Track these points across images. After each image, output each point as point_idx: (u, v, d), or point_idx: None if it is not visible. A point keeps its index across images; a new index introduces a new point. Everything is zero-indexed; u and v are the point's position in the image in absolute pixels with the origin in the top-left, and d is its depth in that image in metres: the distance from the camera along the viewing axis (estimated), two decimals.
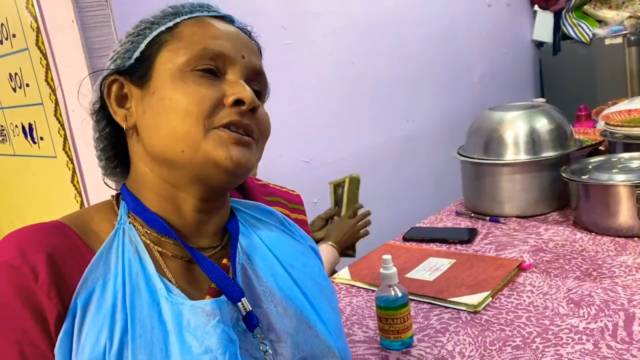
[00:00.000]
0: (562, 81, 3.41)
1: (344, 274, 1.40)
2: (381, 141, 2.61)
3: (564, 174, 1.50)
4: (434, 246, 1.52)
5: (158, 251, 0.64)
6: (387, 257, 1.07)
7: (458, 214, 1.72)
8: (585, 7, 3.35)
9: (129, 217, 0.66)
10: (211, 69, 0.64)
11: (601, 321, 1.04)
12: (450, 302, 1.18)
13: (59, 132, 1.19)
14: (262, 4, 2.10)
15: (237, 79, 0.64)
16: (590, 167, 1.51)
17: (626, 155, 1.55)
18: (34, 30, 1.16)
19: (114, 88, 0.66)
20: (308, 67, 2.29)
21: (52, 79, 1.15)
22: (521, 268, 1.29)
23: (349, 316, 1.21)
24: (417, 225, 1.69)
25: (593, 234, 1.43)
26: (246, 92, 0.63)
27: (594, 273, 1.22)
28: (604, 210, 1.40)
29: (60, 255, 0.59)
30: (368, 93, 2.55)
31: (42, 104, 1.23)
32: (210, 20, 0.67)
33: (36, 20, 1.13)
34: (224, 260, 0.68)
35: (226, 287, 0.64)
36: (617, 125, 1.70)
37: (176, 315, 0.60)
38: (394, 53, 2.65)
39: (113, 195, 0.70)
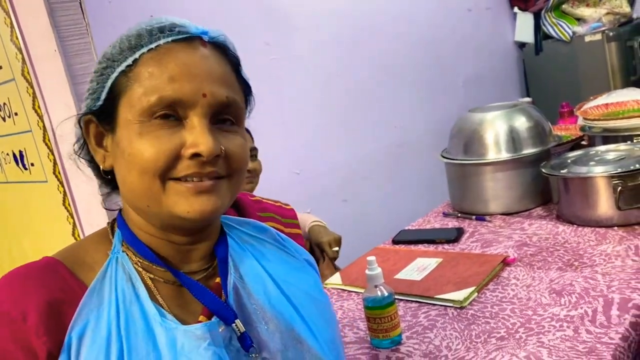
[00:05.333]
0: (546, 80, 3.47)
1: (335, 279, 1.43)
2: (370, 149, 2.65)
3: (544, 170, 1.54)
4: (422, 247, 1.55)
5: (150, 278, 0.66)
6: (372, 258, 1.11)
7: (445, 215, 1.76)
8: (563, 6, 3.41)
9: (122, 245, 0.67)
10: (170, 114, 0.62)
11: (581, 308, 1.07)
12: (437, 299, 1.21)
13: (48, 157, 1.23)
14: (246, 20, 2.15)
15: (197, 124, 0.62)
16: (569, 161, 1.55)
17: (603, 147, 1.59)
18: (19, 61, 1.20)
19: (92, 127, 0.66)
20: (294, 81, 2.34)
21: (39, 107, 1.19)
22: (506, 263, 1.33)
23: (340, 319, 1.24)
24: (406, 228, 1.72)
25: (575, 225, 1.46)
26: (205, 143, 0.60)
27: (576, 263, 1.26)
28: (584, 202, 1.43)
29: (52, 295, 0.61)
30: (355, 103, 2.60)
31: (31, 131, 1.27)
32: (172, 51, 0.63)
33: (20, 52, 1.17)
34: (217, 280, 0.69)
35: (219, 310, 0.66)
36: (595, 119, 1.75)
37: (170, 340, 0.62)
38: (379, 62, 2.71)
39: (109, 223, 0.72)
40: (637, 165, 1.37)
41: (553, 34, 3.37)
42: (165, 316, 0.63)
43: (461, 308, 1.17)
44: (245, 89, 0.70)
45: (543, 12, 3.40)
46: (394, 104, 2.79)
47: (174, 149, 0.61)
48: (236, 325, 0.65)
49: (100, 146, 0.67)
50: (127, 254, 0.66)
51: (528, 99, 3.31)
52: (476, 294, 1.21)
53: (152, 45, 0.63)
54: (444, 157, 1.78)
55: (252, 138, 1.49)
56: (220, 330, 0.65)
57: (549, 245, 1.39)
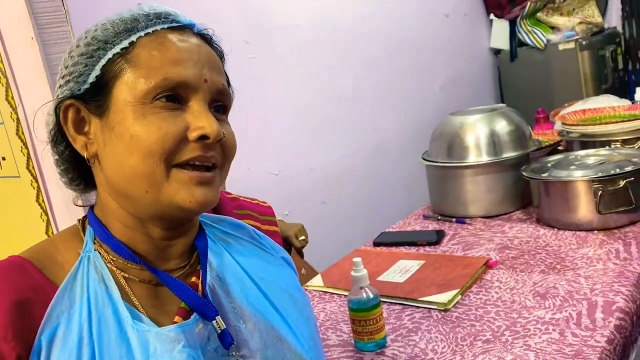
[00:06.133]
0: (520, 86, 3.52)
1: (316, 281, 1.41)
2: (349, 151, 2.64)
3: (524, 173, 1.55)
4: (403, 249, 1.54)
5: (124, 277, 0.64)
6: (358, 259, 1.09)
7: (426, 217, 1.76)
8: (538, 14, 3.47)
9: (94, 243, 0.65)
10: (173, 96, 0.61)
11: (566, 311, 1.07)
12: (421, 301, 1.20)
13: (21, 151, 1.17)
14: (225, 19, 2.11)
15: (200, 108, 0.62)
16: (549, 165, 1.57)
17: (582, 152, 1.61)
18: None
19: (70, 113, 0.63)
20: (273, 80, 2.31)
21: (12, 98, 1.14)
22: (488, 265, 1.32)
23: (322, 322, 1.22)
24: (387, 230, 1.71)
25: (555, 229, 1.47)
26: (211, 125, 0.61)
27: (558, 266, 1.26)
28: (564, 206, 1.44)
29: (20, 295, 0.58)
30: (334, 105, 2.59)
31: (2, 123, 1.21)
32: (170, 37, 0.63)
33: None
34: (193, 279, 0.68)
35: (199, 306, 0.64)
36: (573, 125, 1.77)
37: (143, 343, 0.60)
38: (358, 65, 2.70)
39: (79, 220, 0.69)
40: (617, 170, 1.39)
41: (528, 41, 3.42)
42: (139, 318, 0.61)
43: (445, 310, 1.16)
44: (227, 80, 0.71)
45: (518, 19, 3.45)
46: (373, 106, 2.78)
47: (181, 131, 0.60)
48: (217, 322, 0.64)
49: (81, 133, 0.64)
50: (100, 252, 0.64)
51: (502, 105, 3.36)
52: (460, 296, 1.20)
53: (149, 30, 0.62)
54: (425, 159, 1.77)
55: None
56: (197, 330, 0.63)
57: (531, 248, 1.39)
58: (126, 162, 0.60)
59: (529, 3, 3.37)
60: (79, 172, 0.68)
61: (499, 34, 3.57)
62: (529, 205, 1.64)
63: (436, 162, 1.72)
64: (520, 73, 3.52)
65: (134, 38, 0.62)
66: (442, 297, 1.19)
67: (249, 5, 2.22)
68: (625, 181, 1.37)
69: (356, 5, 2.69)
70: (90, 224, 0.66)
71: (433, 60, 3.18)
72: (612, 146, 1.63)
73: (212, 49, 0.68)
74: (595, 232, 1.40)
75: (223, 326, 0.64)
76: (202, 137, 0.61)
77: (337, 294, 1.34)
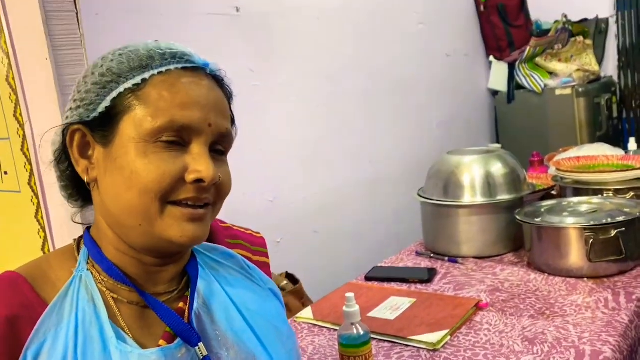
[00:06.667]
0: (516, 128, 3.57)
1: (306, 313, 1.41)
2: (344, 182, 2.66)
3: (518, 217, 1.57)
4: (395, 285, 1.55)
5: (113, 298, 0.65)
6: (350, 295, 1.10)
7: (418, 254, 1.77)
8: (537, 59, 3.54)
9: (87, 263, 0.67)
10: (176, 140, 0.63)
11: (554, 358, 1.08)
12: (411, 340, 1.21)
13: (25, 167, 1.19)
14: (232, 45, 2.15)
15: (200, 151, 0.64)
16: (542, 210, 1.59)
17: (575, 199, 1.64)
18: (4, 66, 1.17)
19: (77, 137, 0.65)
20: (274, 108, 2.34)
21: (20, 114, 1.15)
22: (478, 307, 1.33)
23: (311, 355, 1.22)
24: (379, 264, 1.72)
25: (546, 274, 1.49)
26: (208, 170, 0.63)
27: (547, 312, 1.28)
28: (556, 252, 1.46)
29: (10, 311, 0.60)
30: (331, 135, 2.62)
31: (8, 138, 1.23)
32: (182, 78, 0.64)
33: (8, 57, 1.14)
34: (180, 304, 0.69)
35: (183, 332, 0.66)
36: (567, 171, 1.80)
37: None
38: (357, 98, 2.74)
39: (75, 240, 0.71)
40: (609, 219, 1.41)
41: (525, 84, 3.49)
42: (123, 339, 0.63)
43: (434, 351, 1.16)
44: (232, 121, 0.73)
45: (517, 63, 3.52)
46: (370, 139, 2.82)
47: (178, 172, 0.63)
48: (199, 348, 0.65)
49: (84, 157, 0.66)
50: (92, 272, 0.66)
51: (497, 145, 3.40)
52: (449, 337, 1.21)
53: (163, 69, 0.64)
54: (420, 196, 1.79)
55: None
56: (179, 354, 0.65)
57: (521, 292, 1.40)
58: (123, 195, 0.63)
59: (528, 47, 3.44)
60: (79, 190, 0.70)
61: (498, 76, 3.64)
62: (521, 248, 1.66)
63: (431, 199, 1.74)
64: (517, 115, 3.58)
65: (147, 75, 0.64)
66: (432, 337, 1.20)
67: (256, 32, 2.26)
68: (616, 231, 1.39)
69: (358, 42, 2.75)
70: (85, 244, 0.68)
71: (431, 97, 3.24)
72: (605, 195, 1.66)
73: (222, 90, 0.70)
74: (585, 279, 1.42)
75: (205, 353, 0.66)
76: (198, 181, 0.63)
77: (327, 327, 1.34)
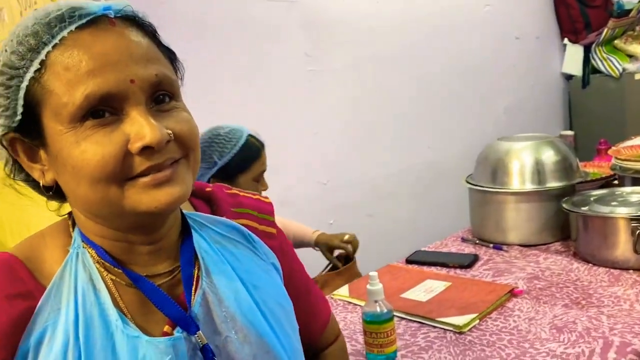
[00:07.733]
0: (590, 114, 3.41)
1: (342, 291, 1.46)
2: (399, 166, 2.67)
3: (564, 205, 1.53)
4: (434, 269, 1.56)
5: (112, 279, 0.62)
6: (374, 273, 1.13)
7: (463, 240, 1.76)
8: (615, 41, 3.35)
9: (82, 241, 0.63)
10: (102, 110, 0.55)
11: (579, 347, 1.07)
12: (438, 321, 1.23)
13: None
14: (288, 30, 2.20)
15: (136, 114, 0.56)
16: (591, 199, 1.54)
17: (628, 189, 1.57)
18: None
19: (18, 145, 0.60)
20: (330, 93, 2.38)
21: None
22: (513, 294, 1.33)
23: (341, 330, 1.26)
24: (423, 249, 1.73)
25: (590, 264, 1.45)
26: (152, 132, 0.55)
27: (583, 302, 1.25)
28: (601, 242, 1.42)
29: (6, 296, 0.58)
30: (389, 121, 2.62)
31: None
32: (81, 40, 0.55)
33: None
34: (181, 287, 0.65)
35: (180, 320, 0.62)
36: (625, 160, 1.72)
37: (132, 349, 0.59)
38: (417, 83, 2.73)
39: (69, 214, 0.65)
40: None
41: (602, 68, 3.32)
42: (126, 322, 0.60)
43: (460, 333, 1.18)
44: (170, 55, 0.64)
45: (594, 45, 3.35)
46: (429, 124, 2.80)
47: (120, 148, 0.55)
48: (198, 336, 0.62)
49: (35, 162, 0.60)
50: (88, 251, 0.62)
51: (570, 132, 3.27)
52: (478, 320, 1.22)
53: (56, 40, 0.55)
54: (468, 182, 1.78)
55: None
56: (189, 343, 0.62)
57: (560, 281, 1.38)
58: (77, 191, 0.58)
59: (606, 29, 3.27)
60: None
61: (572, 60, 3.48)
62: (569, 237, 1.62)
63: (478, 185, 1.73)
64: (592, 101, 3.41)
65: (42, 56, 0.55)
66: (459, 320, 1.21)
67: (312, 18, 2.31)
68: None
69: (421, 25, 2.72)
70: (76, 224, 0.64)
71: (499, 82, 3.15)
72: None
73: (138, 30, 0.60)
74: (630, 271, 1.37)
75: (204, 341, 0.62)
76: (146, 148, 0.55)
77: (360, 305, 1.38)
